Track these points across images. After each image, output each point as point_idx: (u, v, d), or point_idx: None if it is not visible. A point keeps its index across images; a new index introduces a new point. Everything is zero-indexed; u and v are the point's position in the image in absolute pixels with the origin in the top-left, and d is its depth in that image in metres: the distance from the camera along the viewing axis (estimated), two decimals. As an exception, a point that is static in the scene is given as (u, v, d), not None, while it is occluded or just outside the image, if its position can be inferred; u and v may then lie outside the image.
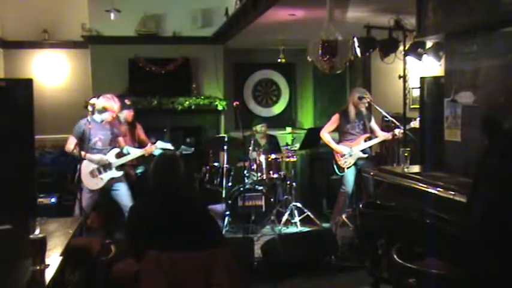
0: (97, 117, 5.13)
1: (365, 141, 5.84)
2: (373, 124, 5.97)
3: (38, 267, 2.40)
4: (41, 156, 7.01)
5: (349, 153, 5.81)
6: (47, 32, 7.65)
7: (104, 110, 5.11)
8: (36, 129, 3.86)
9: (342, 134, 5.98)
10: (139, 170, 5.92)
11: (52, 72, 7.79)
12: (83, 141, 5.02)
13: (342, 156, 5.83)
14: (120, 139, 5.37)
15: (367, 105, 5.86)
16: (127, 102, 5.78)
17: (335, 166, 5.92)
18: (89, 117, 5.02)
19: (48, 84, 7.74)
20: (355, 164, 5.82)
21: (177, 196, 3.28)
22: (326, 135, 5.97)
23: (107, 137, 5.21)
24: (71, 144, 5.07)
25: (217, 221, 3.80)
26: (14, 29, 7.59)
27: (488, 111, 2.30)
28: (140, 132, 6.03)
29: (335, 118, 5.97)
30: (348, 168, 5.82)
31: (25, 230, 2.70)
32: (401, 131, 5.39)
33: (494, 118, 2.26)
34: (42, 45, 7.71)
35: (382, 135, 5.90)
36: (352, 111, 5.84)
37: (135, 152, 5.40)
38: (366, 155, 5.83)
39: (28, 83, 3.82)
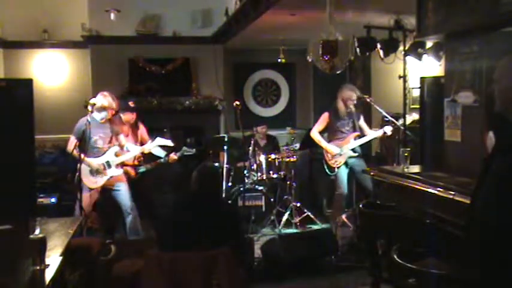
0: (96, 115, 5.13)
1: (354, 139, 5.82)
2: (362, 122, 5.92)
3: (38, 267, 2.40)
4: (41, 156, 7.01)
5: (339, 152, 5.79)
6: (47, 32, 7.66)
7: (101, 108, 5.09)
8: (36, 129, 3.85)
9: (331, 132, 5.92)
10: (141, 170, 5.91)
11: (52, 72, 7.79)
12: (84, 140, 5.01)
13: (332, 156, 5.82)
14: (121, 136, 5.36)
15: (355, 102, 5.80)
16: (131, 104, 5.76)
17: (325, 166, 5.89)
18: (88, 117, 5.01)
19: (48, 84, 7.74)
20: (345, 163, 5.80)
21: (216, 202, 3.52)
22: (316, 135, 5.91)
23: (107, 136, 5.21)
24: (71, 144, 5.08)
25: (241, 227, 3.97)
26: (14, 29, 7.59)
27: (497, 109, 2.29)
28: (143, 132, 6.02)
29: (325, 116, 5.90)
30: (338, 167, 5.79)
31: (25, 230, 2.70)
32: (392, 128, 5.61)
33: (503, 116, 2.25)
34: (42, 45, 7.71)
35: (371, 134, 5.88)
36: (341, 107, 5.76)
37: (134, 150, 5.41)
38: (355, 154, 5.81)
39: (28, 83, 3.81)
